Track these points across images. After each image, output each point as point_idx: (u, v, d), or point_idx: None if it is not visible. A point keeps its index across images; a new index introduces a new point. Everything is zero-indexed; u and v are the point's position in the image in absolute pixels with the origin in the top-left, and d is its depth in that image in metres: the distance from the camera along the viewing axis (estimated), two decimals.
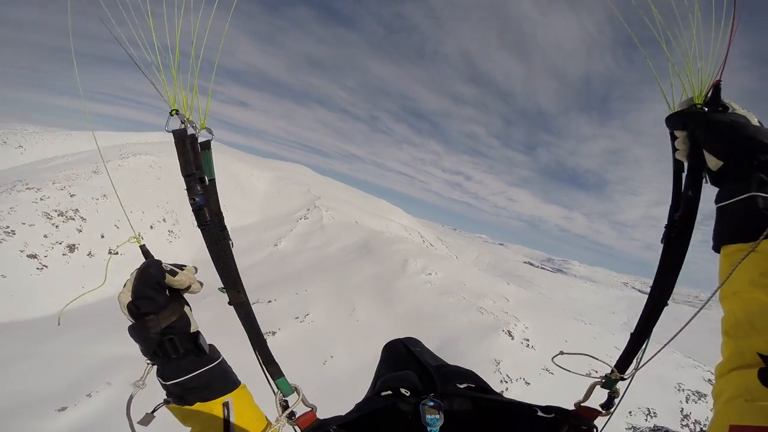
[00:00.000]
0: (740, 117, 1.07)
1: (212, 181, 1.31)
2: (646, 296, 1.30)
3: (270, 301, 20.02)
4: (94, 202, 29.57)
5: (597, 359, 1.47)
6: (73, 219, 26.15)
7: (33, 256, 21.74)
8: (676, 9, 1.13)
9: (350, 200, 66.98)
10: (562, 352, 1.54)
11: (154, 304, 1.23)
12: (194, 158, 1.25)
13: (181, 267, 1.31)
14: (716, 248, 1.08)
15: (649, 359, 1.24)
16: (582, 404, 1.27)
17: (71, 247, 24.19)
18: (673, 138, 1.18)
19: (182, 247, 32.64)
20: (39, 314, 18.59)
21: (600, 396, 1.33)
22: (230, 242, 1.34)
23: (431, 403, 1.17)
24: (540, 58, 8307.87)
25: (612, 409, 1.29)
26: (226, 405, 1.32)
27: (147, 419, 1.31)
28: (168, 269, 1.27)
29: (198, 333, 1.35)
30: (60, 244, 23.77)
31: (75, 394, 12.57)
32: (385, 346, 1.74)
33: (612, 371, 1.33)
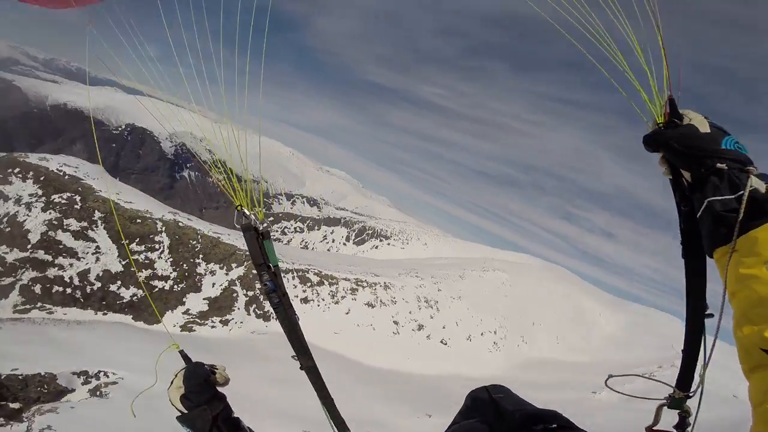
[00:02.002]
0: (688, 127, 1.10)
1: (276, 266, 1.50)
2: None
3: None
4: (450, 300, 37.13)
5: (654, 380, 1.42)
6: (431, 307, 34.30)
7: (396, 323, 30.75)
8: (627, 31, 1.21)
9: (737, 369, 46.83)
10: (611, 375, 1.51)
11: (205, 396, 1.46)
12: (260, 249, 1.45)
13: (216, 367, 1.58)
14: (710, 255, 1.10)
15: (703, 373, 1.22)
16: (654, 428, 1.24)
17: (420, 327, 32.00)
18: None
19: (499, 360, 34.44)
20: (379, 365, 25.89)
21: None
22: (296, 317, 1.55)
23: None
24: None
25: (689, 429, 1.26)
26: None
27: None
28: (210, 369, 1.51)
29: (239, 419, 1.56)
30: (415, 321, 32.06)
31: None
32: (467, 395, 1.66)
33: (674, 391, 1.30)
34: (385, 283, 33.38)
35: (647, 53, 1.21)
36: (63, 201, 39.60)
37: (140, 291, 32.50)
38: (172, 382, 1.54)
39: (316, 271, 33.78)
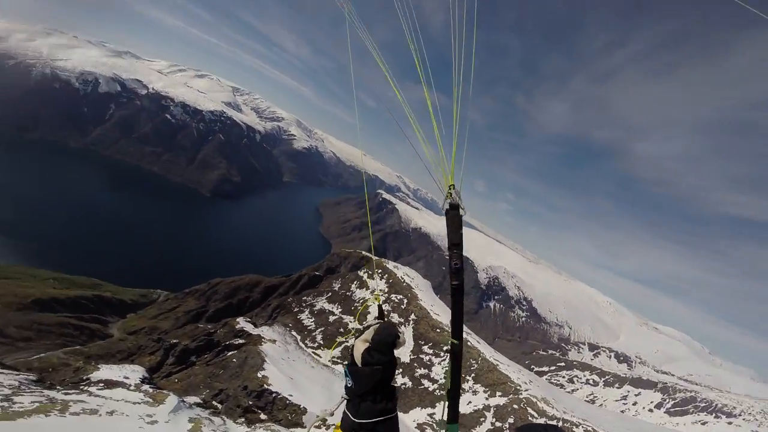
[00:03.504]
0: None
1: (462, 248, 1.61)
2: None
3: None
4: None
5: None
6: None
7: None
8: None
9: None
10: None
11: (386, 358, 1.51)
12: (460, 231, 1.58)
13: (400, 331, 1.73)
14: None
15: None
16: None
17: None
18: None
19: None
20: None
21: None
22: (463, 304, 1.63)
23: None
24: None
25: None
26: None
27: (328, 412, 1.69)
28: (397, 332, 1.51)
29: (396, 389, 1.61)
30: None
31: None
32: (517, 428, 1.85)
33: None
34: None
35: None
36: (396, 300, 51.81)
37: (410, 382, 36.74)
38: (361, 333, 1.61)
39: (589, 428, 27.01)
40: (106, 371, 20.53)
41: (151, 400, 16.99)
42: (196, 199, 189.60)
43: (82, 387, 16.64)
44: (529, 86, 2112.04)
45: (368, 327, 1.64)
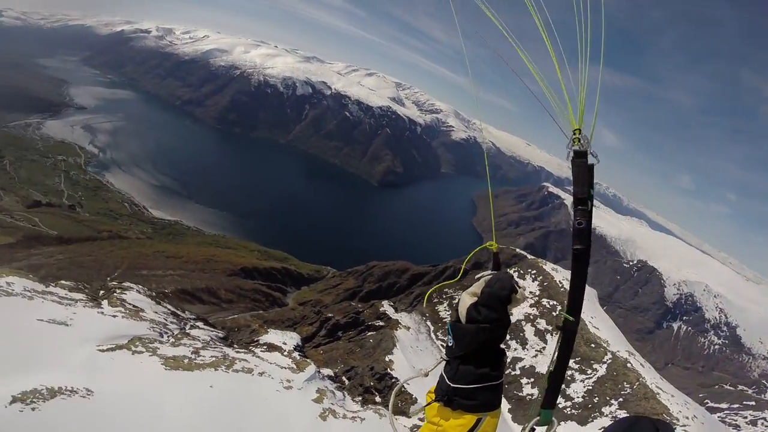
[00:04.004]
0: None
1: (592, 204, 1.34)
2: None
3: None
4: None
5: None
6: None
7: None
8: None
9: None
10: None
11: (495, 315, 1.39)
12: (589, 180, 1.36)
13: (519, 285, 1.45)
14: None
15: None
16: None
17: None
18: None
19: None
20: None
21: None
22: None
23: None
24: None
25: None
26: (479, 421, 1.44)
27: (423, 372, 1.59)
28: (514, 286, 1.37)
29: (505, 351, 1.49)
30: None
31: None
32: (622, 419, 1.50)
33: None
34: None
35: None
36: (547, 306, 47.63)
37: (537, 394, 34.42)
38: (471, 285, 1.49)
39: None
40: (272, 335, 26.04)
41: (294, 367, 20.77)
42: (367, 188, 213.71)
43: (250, 348, 21.81)
44: (761, 59, 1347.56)
45: (479, 278, 1.51)
